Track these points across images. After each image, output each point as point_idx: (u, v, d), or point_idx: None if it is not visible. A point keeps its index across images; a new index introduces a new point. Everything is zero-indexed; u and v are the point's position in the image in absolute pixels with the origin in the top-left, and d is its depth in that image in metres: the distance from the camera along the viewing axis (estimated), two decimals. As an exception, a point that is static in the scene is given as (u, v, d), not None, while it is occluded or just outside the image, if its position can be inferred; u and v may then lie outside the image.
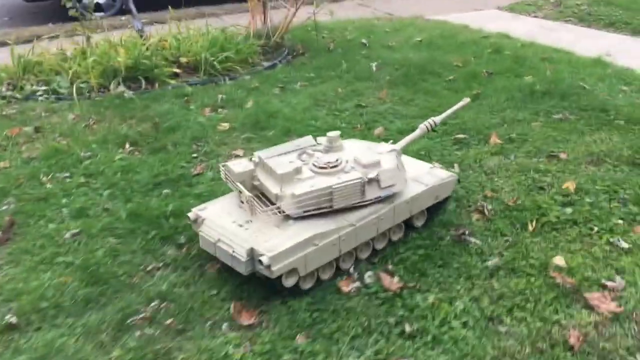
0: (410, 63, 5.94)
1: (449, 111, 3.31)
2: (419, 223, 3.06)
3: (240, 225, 2.59)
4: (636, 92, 5.06)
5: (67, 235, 3.09)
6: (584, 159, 3.89)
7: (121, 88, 5.07)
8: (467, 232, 3.08)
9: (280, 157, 2.77)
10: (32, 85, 5.23)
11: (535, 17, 9.16)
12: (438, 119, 3.21)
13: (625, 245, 2.98)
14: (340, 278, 2.74)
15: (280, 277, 2.46)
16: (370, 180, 2.64)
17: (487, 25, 7.94)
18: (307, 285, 2.61)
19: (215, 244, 2.58)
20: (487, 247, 2.99)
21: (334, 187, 2.57)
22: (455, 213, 3.27)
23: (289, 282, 2.51)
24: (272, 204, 2.65)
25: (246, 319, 2.49)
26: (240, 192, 2.70)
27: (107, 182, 3.64)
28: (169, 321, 2.49)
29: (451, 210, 3.27)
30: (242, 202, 2.70)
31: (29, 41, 6.23)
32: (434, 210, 3.12)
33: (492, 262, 2.87)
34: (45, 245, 3.02)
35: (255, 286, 2.64)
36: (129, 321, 2.49)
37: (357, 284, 2.71)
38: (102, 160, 3.92)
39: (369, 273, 2.77)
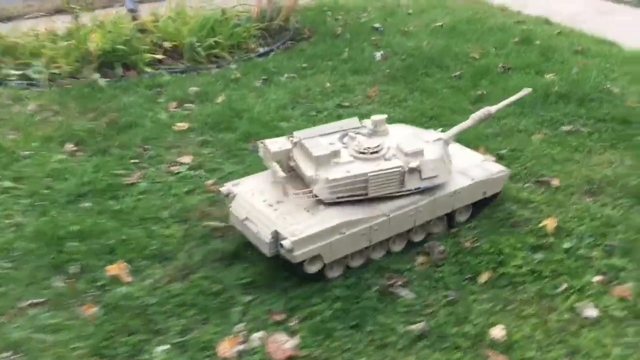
0: (421, 53, 5.32)
1: (508, 100, 2.98)
2: (462, 218, 2.90)
3: (270, 205, 2.53)
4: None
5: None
6: (580, 187, 3.25)
7: (95, 75, 4.75)
8: (399, 283, 2.57)
9: (319, 139, 2.63)
10: (10, 68, 4.97)
11: (588, -4, 8.17)
12: (494, 108, 2.89)
13: (592, 313, 2.40)
14: (225, 336, 2.32)
15: (303, 262, 2.39)
16: (411, 170, 2.52)
17: (529, 6, 7.10)
18: (333, 273, 2.55)
19: (243, 221, 2.55)
20: (420, 304, 2.48)
21: (370, 174, 2.46)
22: (398, 254, 2.76)
23: (312, 269, 2.45)
24: (307, 186, 2.53)
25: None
26: (275, 171, 2.59)
27: (31, 189, 3.33)
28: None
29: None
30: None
31: (9, 19, 6.00)
32: (481, 206, 2.94)
33: (418, 326, 2.36)
34: None
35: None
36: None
37: (242, 346, 2.28)
38: (39, 161, 3.62)
39: (259, 334, 2.32)
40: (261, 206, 2.54)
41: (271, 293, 2.52)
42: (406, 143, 2.60)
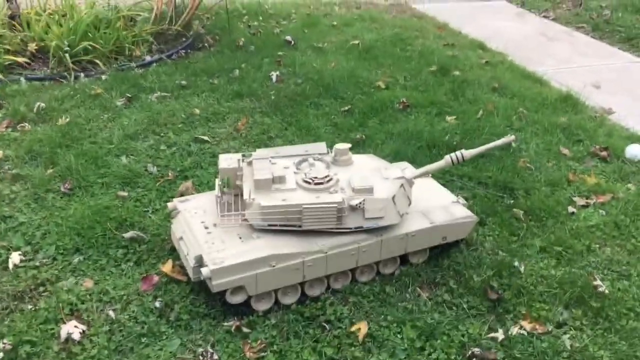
0: (320, 77, 4.77)
1: (484, 147, 2.72)
2: (416, 261, 2.74)
3: (206, 228, 2.47)
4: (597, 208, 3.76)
5: None
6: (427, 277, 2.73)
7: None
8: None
9: (277, 160, 2.59)
10: None
11: (544, 17, 7.70)
12: (468, 153, 2.65)
13: None
14: None
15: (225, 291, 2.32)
16: (352, 208, 2.40)
17: (470, 26, 6.60)
18: (261, 306, 2.44)
19: (178, 241, 2.50)
20: None
21: (304, 206, 2.36)
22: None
23: (233, 299, 2.37)
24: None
25: None
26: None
27: None
28: None
29: None
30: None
31: None
32: (445, 250, 2.80)
33: None
34: None
35: None
36: None
37: None
38: None
39: None
40: (196, 227, 2.47)
41: None
42: (359, 178, 2.46)
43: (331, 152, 2.70)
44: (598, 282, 2.67)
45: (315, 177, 2.48)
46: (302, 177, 2.50)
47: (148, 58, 4.98)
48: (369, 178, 2.49)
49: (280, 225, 2.41)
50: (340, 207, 2.38)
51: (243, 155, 2.66)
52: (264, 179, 2.44)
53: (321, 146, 2.73)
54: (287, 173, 2.50)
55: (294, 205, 2.37)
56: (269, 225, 2.41)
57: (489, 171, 3.56)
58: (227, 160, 2.63)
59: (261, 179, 2.44)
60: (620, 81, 5.33)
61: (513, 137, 2.72)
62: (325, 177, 2.49)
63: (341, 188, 2.47)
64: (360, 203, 2.39)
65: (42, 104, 4.02)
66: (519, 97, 4.71)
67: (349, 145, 2.68)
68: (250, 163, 2.59)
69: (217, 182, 2.61)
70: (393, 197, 2.46)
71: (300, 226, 2.41)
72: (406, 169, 2.73)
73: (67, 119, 3.88)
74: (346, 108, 4.30)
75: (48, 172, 3.33)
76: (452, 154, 2.65)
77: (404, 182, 2.57)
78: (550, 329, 2.45)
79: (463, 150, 2.66)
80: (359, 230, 2.47)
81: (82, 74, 4.55)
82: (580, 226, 3.09)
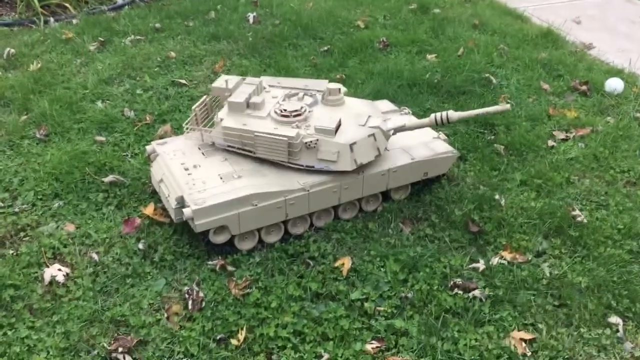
0: (298, 18, 4.67)
1: (474, 112, 2.59)
2: (398, 197, 2.75)
3: (186, 169, 2.44)
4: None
5: None
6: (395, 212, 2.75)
7: None
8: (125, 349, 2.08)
9: (269, 88, 2.65)
10: None
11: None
12: (455, 116, 2.54)
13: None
14: None
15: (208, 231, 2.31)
16: (307, 145, 2.39)
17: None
18: (245, 245, 2.46)
19: (158, 183, 2.50)
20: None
21: (256, 134, 2.40)
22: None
23: (217, 239, 2.38)
24: None
25: None
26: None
27: None
28: None
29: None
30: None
31: None
32: (426, 186, 2.80)
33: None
34: None
35: None
36: None
37: None
38: None
39: None
40: (176, 169, 2.44)
41: None
42: (326, 119, 2.43)
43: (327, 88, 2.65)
44: (577, 212, 2.71)
45: (285, 110, 2.48)
46: (277, 108, 2.51)
47: (120, 1, 4.83)
48: (337, 120, 2.44)
49: (238, 149, 2.47)
50: (292, 141, 2.37)
51: (243, 79, 2.67)
52: (237, 102, 2.48)
53: (322, 83, 2.71)
54: (268, 102, 2.54)
55: (249, 131, 2.41)
56: (228, 146, 2.49)
57: (470, 107, 3.54)
58: (220, 80, 2.65)
59: (234, 102, 2.49)
60: (600, 17, 5.29)
61: (508, 105, 2.57)
62: (295, 111, 2.48)
63: (308, 125, 2.45)
64: (312, 142, 2.38)
65: (12, 50, 3.90)
66: (499, 33, 4.66)
67: (340, 86, 2.63)
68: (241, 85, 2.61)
69: (205, 97, 2.67)
70: (352, 145, 2.41)
71: (254, 152, 2.45)
72: (390, 119, 2.63)
73: (39, 65, 3.77)
74: (325, 48, 4.22)
75: (22, 119, 3.25)
76: (438, 114, 2.55)
77: (377, 132, 2.49)
78: (530, 258, 2.49)
79: (450, 111, 2.55)
80: (310, 170, 2.46)
81: (51, 19, 4.41)
82: (559, 159, 3.12)
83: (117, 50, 4.06)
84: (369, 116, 2.55)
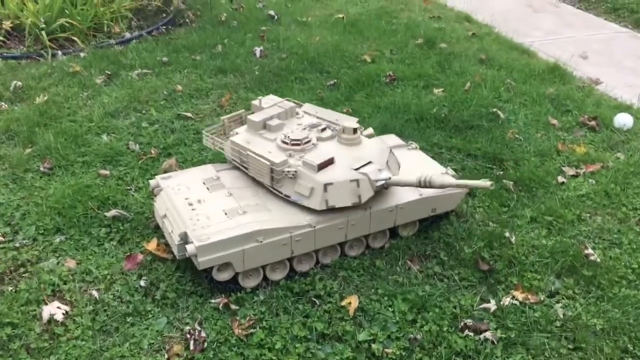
0: (305, 52, 4.68)
1: (456, 182, 2.43)
2: (405, 233, 2.71)
3: (190, 204, 2.41)
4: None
5: None
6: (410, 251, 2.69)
7: None
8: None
9: (301, 114, 2.71)
10: None
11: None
12: (438, 181, 2.35)
13: None
14: None
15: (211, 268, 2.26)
16: (286, 174, 2.39)
17: (456, -1, 6.50)
18: (249, 283, 2.40)
19: (162, 218, 2.46)
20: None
21: (249, 152, 2.45)
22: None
23: (220, 276, 2.32)
24: None
25: None
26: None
27: None
28: None
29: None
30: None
31: None
32: (435, 223, 2.75)
33: None
34: None
35: None
36: None
37: None
38: None
39: None
40: (180, 204, 2.41)
41: None
42: (323, 155, 2.39)
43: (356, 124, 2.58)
44: (589, 251, 2.64)
45: (288, 137, 2.48)
46: (285, 134, 2.53)
47: (127, 35, 4.85)
48: (326, 158, 2.37)
49: (239, 164, 2.55)
50: (274, 167, 2.37)
51: (282, 100, 2.77)
52: (254, 120, 2.56)
53: (351, 120, 2.65)
54: (289, 127, 2.58)
55: (245, 149, 2.47)
56: (232, 159, 2.57)
57: (478, 143, 3.51)
58: (265, 99, 2.75)
59: (251, 120, 2.57)
60: (606, 52, 5.29)
61: (489, 183, 2.30)
62: (296, 140, 2.46)
63: (301, 156, 2.43)
64: (290, 172, 2.37)
65: (19, 83, 3.90)
66: (506, 68, 4.65)
67: (357, 126, 2.53)
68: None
69: (242, 112, 2.80)
70: (326, 184, 2.33)
71: (247, 169, 2.52)
72: (385, 170, 2.47)
73: (45, 98, 3.77)
74: (332, 82, 4.22)
75: (26, 152, 3.23)
76: (423, 176, 2.37)
77: (363, 179, 2.37)
78: (542, 299, 2.42)
79: (433, 177, 2.36)
80: (288, 200, 2.44)
81: (59, 52, 4.43)
82: (570, 195, 3.06)
83: (124, 84, 4.06)
84: (369, 162, 2.44)
